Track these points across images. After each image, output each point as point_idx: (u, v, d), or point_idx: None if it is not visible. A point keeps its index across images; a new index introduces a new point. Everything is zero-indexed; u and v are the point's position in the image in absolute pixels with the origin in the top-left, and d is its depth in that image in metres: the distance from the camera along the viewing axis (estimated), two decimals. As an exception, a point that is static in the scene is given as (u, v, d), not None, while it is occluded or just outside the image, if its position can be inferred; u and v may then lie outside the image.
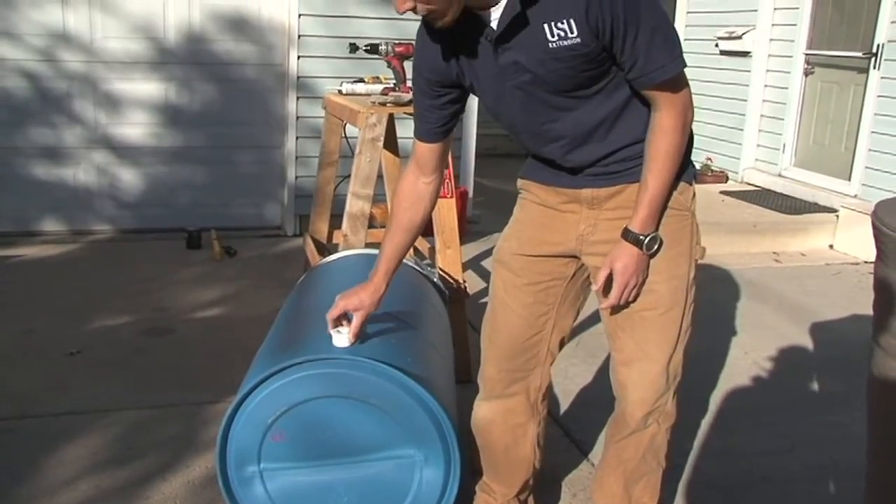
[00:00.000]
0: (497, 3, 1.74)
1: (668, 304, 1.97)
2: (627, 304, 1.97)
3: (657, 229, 1.91)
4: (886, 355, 1.73)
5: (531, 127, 1.93)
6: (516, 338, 2.13)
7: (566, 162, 1.95)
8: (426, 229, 3.01)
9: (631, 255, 1.90)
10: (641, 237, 1.89)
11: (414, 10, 1.68)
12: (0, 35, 5.21)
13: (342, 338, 1.95)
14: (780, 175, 7.21)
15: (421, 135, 2.05)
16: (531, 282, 2.09)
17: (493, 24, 1.77)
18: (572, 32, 1.70)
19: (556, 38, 1.71)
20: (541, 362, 2.16)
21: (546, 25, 1.72)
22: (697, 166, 7.44)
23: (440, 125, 2.02)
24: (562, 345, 2.20)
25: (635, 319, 1.99)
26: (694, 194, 2.01)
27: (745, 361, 3.89)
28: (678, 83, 1.81)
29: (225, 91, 5.63)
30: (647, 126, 1.86)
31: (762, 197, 6.88)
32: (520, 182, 2.14)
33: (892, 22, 6.05)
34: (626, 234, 1.90)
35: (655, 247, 1.91)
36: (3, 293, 4.37)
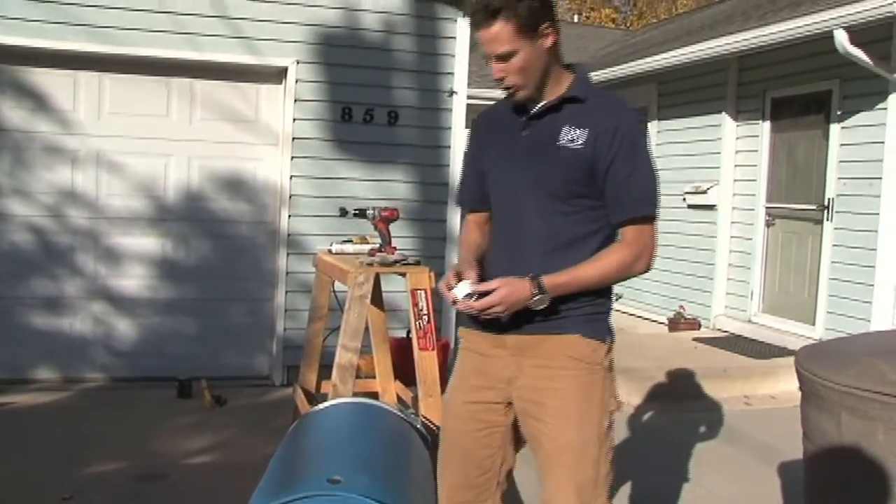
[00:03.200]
0: (547, 99, 2.21)
1: (578, 449, 2.18)
2: (543, 447, 2.20)
3: (551, 298, 2.12)
4: (813, 481, 1.96)
5: (508, 217, 2.28)
6: (465, 476, 2.36)
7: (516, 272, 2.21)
8: (410, 379, 3.29)
9: (521, 287, 2.11)
10: (541, 286, 2.10)
11: (502, 80, 2.16)
12: (13, 193, 5.59)
13: (465, 286, 2.13)
14: (749, 321, 7.53)
15: (469, 207, 2.46)
16: (475, 428, 2.33)
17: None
18: (580, 140, 2.15)
19: (567, 139, 2.16)
20: (491, 494, 2.38)
21: (565, 126, 2.17)
22: (671, 314, 7.84)
23: (482, 191, 2.38)
24: (509, 474, 2.42)
25: (551, 464, 2.21)
26: (608, 350, 2.25)
27: (714, 500, 4.04)
28: (647, 223, 2.17)
29: (219, 246, 5.96)
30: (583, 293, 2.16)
31: (733, 343, 7.17)
32: (459, 330, 2.45)
33: (839, 178, 6.56)
34: (534, 276, 2.12)
35: (540, 305, 2.12)
36: (-4, 439, 4.50)
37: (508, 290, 2.11)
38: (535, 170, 2.21)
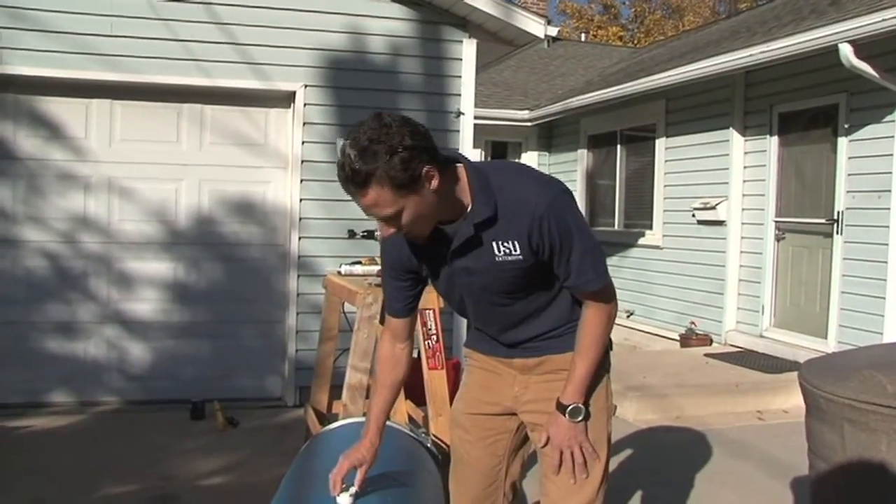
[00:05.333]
0: (456, 220, 2.08)
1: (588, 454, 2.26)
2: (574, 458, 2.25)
3: (584, 402, 2.22)
4: (819, 494, 1.97)
5: (474, 312, 2.33)
6: (475, 487, 2.45)
7: (500, 338, 2.34)
8: (420, 399, 3.31)
9: (560, 423, 2.23)
10: (564, 405, 2.21)
11: (398, 231, 2.02)
12: (27, 220, 5.66)
13: (348, 498, 2.17)
14: (761, 336, 7.51)
15: (393, 312, 2.39)
16: (480, 437, 2.43)
17: (451, 228, 2.10)
18: (516, 250, 2.09)
19: (503, 253, 2.10)
20: None
21: (494, 243, 2.09)
22: (683, 330, 7.84)
23: (407, 303, 2.37)
24: (514, 489, 2.49)
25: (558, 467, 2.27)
26: (609, 361, 2.34)
27: (729, 519, 4.03)
28: (604, 290, 2.18)
29: (230, 270, 6.01)
30: (566, 315, 2.24)
31: (745, 358, 7.14)
32: (464, 350, 2.53)
33: (848, 191, 6.56)
34: (557, 405, 2.23)
35: (580, 417, 2.22)
36: (11, 463, 4.54)
37: (555, 435, 2.21)
38: (482, 283, 2.19)
